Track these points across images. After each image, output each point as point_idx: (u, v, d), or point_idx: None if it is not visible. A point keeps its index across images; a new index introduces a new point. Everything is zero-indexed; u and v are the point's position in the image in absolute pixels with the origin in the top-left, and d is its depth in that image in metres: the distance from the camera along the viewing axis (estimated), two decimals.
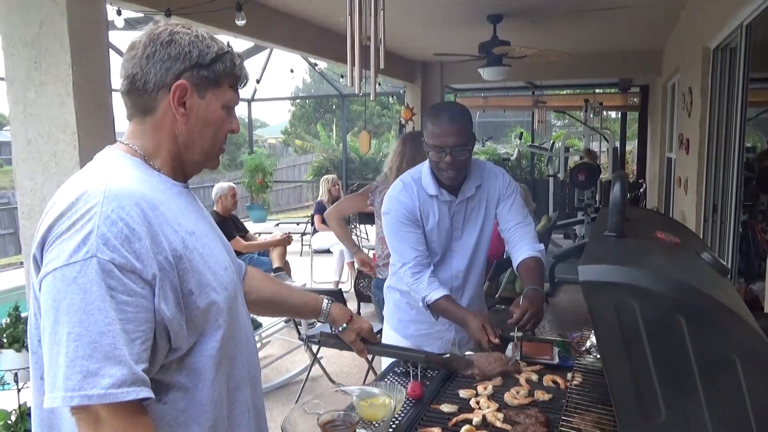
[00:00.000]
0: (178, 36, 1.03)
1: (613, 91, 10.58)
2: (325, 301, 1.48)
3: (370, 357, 2.87)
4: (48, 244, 0.92)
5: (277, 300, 1.43)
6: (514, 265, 2.02)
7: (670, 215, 5.81)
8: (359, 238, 8.31)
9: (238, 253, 5.02)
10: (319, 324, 1.61)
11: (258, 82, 10.52)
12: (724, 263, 1.08)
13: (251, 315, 1.30)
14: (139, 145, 1.06)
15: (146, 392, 0.89)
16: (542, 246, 2.02)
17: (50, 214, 0.94)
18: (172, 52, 1.02)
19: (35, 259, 0.95)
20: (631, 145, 13.34)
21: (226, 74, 1.07)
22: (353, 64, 2.91)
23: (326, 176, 7.03)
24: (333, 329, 1.53)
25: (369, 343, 1.55)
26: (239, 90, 1.12)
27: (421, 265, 1.93)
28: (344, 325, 1.50)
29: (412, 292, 1.96)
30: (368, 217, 7.94)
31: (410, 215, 1.95)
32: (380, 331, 2.16)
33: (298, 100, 22.79)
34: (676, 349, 0.84)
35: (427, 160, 1.98)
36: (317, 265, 6.55)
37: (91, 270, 0.87)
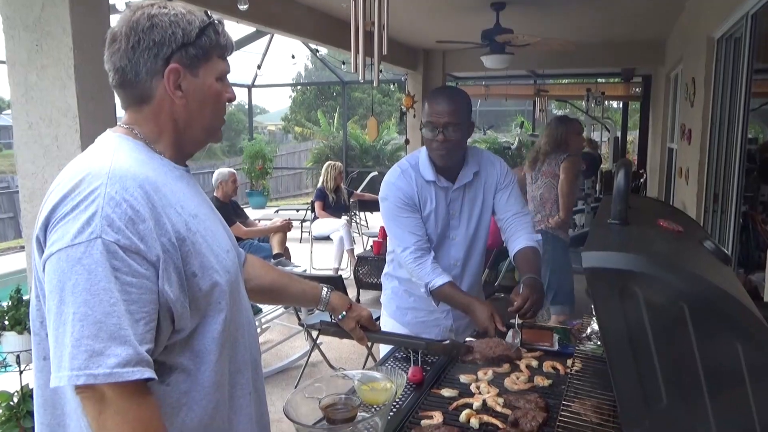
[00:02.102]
0: (157, 19, 1.01)
1: (615, 80, 10.53)
2: (325, 289, 1.49)
3: (370, 344, 2.89)
4: (52, 225, 0.92)
5: (276, 288, 1.43)
6: (511, 254, 2.02)
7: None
8: (359, 226, 8.32)
9: (239, 239, 5.03)
10: (318, 311, 1.61)
11: (259, 68, 10.48)
12: (727, 252, 1.08)
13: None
14: (139, 130, 1.05)
15: (150, 373, 0.90)
16: (539, 236, 2.04)
17: (53, 195, 0.94)
18: (156, 38, 1.00)
19: (38, 240, 0.95)
20: (633, 135, 13.31)
21: (213, 46, 1.05)
22: (357, 51, 2.91)
23: (332, 163, 6.80)
24: (332, 317, 1.54)
25: (369, 330, 1.55)
26: (227, 58, 1.10)
27: (422, 250, 1.94)
28: (344, 313, 1.50)
29: (414, 278, 1.96)
30: (367, 205, 7.96)
31: (408, 200, 1.95)
32: (379, 318, 2.17)
33: (299, 87, 22.68)
34: (678, 336, 0.85)
35: (424, 146, 1.99)
36: (317, 251, 6.56)
37: (96, 251, 0.88)
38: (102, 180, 0.92)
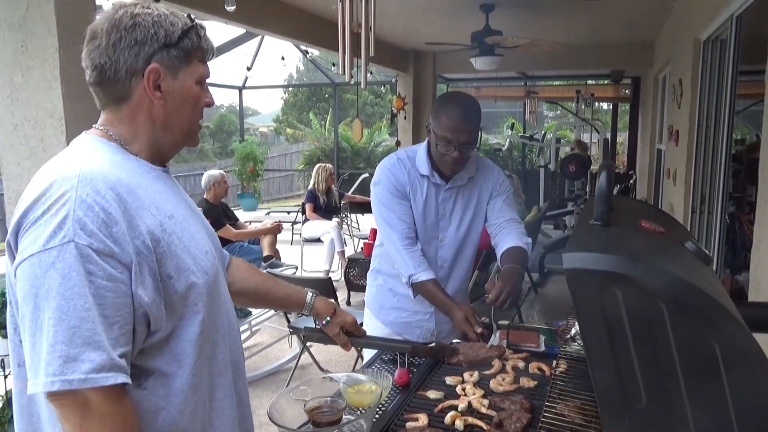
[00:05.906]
0: (140, 18, 1.00)
1: (605, 82, 10.60)
2: (309, 294, 1.48)
3: (359, 348, 2.89)
4: (23, 230, 0.91)
5: (261, 292, 1.43)
6: (498, 255, 1.96)
7: (659, 206, 5.84)
8: (350, 228, 8.30)
9: (229, 241, 5.01)
10: (304, 315, 1.61)
11: (248, 69, 10.44)
12: (707, 252, 1.08)
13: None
14: (114, 131, 1.04)
15: (124, 378, 0.89)
16: (530, 240, 1.99)
17: (24, 200, 0.93)
18: (138, 36, 0.99)
19: (9, 245, 0.94)
20: (622, 137, 13.40)
21: (194, 50, 1.05)
22: (344, 52, 2.90)
23: (323, 165, 6.76)
24: (317, 323, 1.53)
25: (353, 335, 1.54)
26: (207, 62, 1.10)
27: (410, 238, 1.93)
28: (328, 318, 1.49)
29: (398, 265, 1.92)
30: (358, 207, 7.95)
31: (400, 187, 1.96)
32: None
33: (290, 89, 22.63)
34: (657, 336, 0.85)
35: (425, 142, 2.00)
36: (308, 254, 6.55)
37: (69, 255, 0.86)
38: (72, 183, 0.91)
